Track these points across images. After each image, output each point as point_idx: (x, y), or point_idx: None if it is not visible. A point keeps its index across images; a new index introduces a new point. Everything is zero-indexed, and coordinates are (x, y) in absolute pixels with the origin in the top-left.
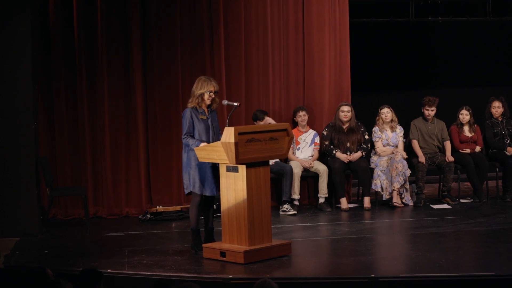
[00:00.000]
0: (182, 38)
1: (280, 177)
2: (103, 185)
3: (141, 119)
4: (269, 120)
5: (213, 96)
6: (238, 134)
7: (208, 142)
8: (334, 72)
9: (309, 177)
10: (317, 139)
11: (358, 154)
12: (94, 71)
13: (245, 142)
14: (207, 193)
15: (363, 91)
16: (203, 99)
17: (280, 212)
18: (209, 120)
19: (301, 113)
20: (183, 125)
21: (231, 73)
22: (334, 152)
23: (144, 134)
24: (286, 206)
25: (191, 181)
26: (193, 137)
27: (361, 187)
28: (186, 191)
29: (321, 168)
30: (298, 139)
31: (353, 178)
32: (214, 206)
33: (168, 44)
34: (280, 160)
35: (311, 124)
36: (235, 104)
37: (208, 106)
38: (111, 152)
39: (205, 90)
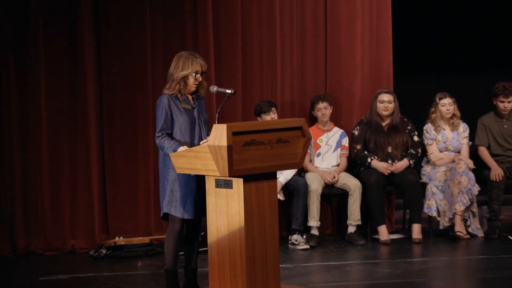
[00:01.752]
0: None
1: (291, 196)
2: (39, 208)
3: (93, 113)
4: (272, 116)
5: (200, 79)
6: (233, 134)
7: (193, 143)
8: (369, 46)
9: (333, 196)
10: (345, 142)
11: (404, 162)
12: (24, 46)
13: (242, 145)
14: (190, 216)
15: (409, 73)
16: (186, 84)
17: (289, 245)
18: (195, 111)
19: (322, 104)
20: (157, 118)
21: (222, 48)
22: (369, 159)
23: (98, 134)
24: (295, 237)
25: (167, 199)
26: (170, 135)
27: (408, 211)
28: (161, 213)
29: (351, 183)
30: (317, 142)
31: (397, 197)
32: (199, 237)
33: (132, 5)
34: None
35: (336, 120)
36: (228, 91)
37: (193, 93)
38: (50, 160)
39: (189, 71)
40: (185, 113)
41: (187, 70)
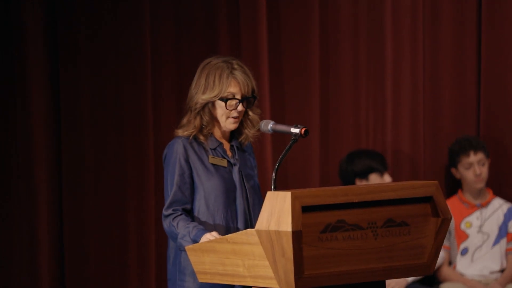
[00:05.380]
0: None
1: None
2: None
3: (44, 163)
4: (386, 179)
5: (241, 108)
6: (303, 211)
7: (230, 227)
8: None
9: None
10: None
11: None
12: None
13: (321, 231)
14: None
15: None
16: (213, 117)
17: None
18: (235, 170)
19: (474, 156)
20: (165, 183)
21: (284, 50)
22: None
23: (51, 201)
24: None
25: None
26: (189, 213)
27: None
28: None
29: None
30: (463, 227)
31: None
32: None
33: None
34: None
35: (498, 186)
36: (295, 130)
37: (232, 137)
38: None
39: (215, 93)
40: (217, 173)
41: (214, 91)
